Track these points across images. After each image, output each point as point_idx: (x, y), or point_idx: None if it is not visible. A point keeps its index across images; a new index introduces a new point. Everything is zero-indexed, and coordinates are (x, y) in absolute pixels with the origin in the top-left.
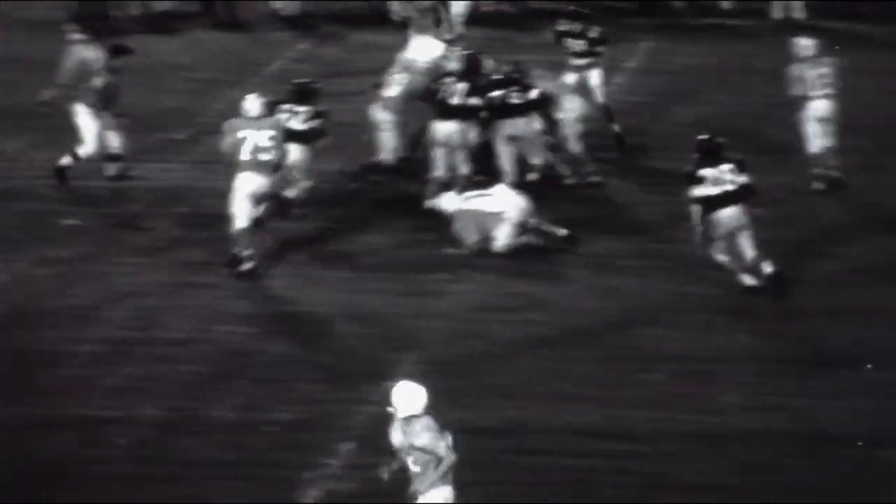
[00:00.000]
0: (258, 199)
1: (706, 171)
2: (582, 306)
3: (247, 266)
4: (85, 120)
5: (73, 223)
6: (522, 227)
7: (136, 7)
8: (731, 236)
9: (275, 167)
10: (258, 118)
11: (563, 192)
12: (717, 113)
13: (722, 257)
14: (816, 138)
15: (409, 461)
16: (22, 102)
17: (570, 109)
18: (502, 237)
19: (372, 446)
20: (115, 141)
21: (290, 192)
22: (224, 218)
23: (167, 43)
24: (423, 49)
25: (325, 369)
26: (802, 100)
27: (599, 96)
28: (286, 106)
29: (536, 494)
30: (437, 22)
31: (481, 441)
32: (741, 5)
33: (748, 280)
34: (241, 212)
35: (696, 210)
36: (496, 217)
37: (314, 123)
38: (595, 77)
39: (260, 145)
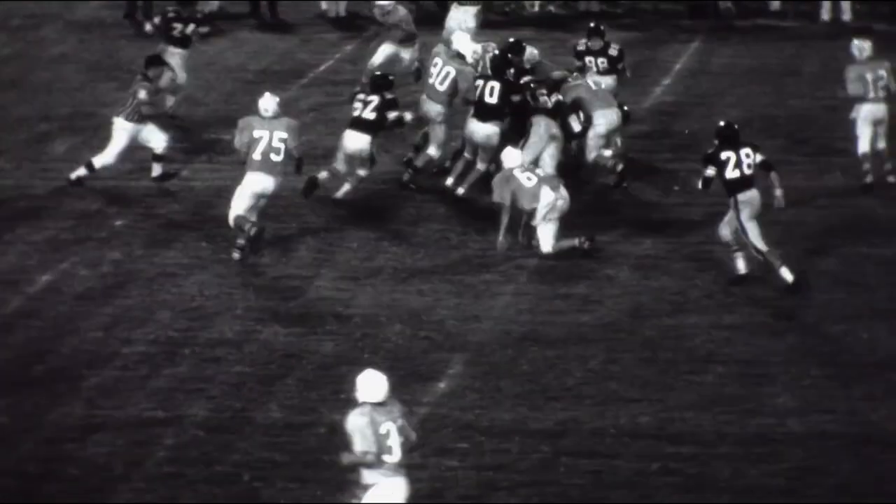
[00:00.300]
0: (261, 199)
1: (726, 154)
2: (631, 308)
3: (236, 255)
4: (119, 134)
5: (121, 224)
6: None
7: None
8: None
9: (297, 167)
10: (274, 118)
11: (604, 195)
12: (763, 114)
13: (727, 237)
14: (866, 139)
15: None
16: (69, 103)
17: (601, 123)
18: (547, 239)
19: (422, 447)
20: (160, 142)
21: (343, 191)
22: (274, 218)
23: (214, 44)
24: (463, 45)
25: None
26: (858, 101)
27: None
28: (360, 95)
29: (590, 496)
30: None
31: (533, 443)
32: (789, 7)
33: (741, 266)
34: (239, 207)
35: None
36: (530, 193)
37: (383, 114)
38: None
39: (273, 146)
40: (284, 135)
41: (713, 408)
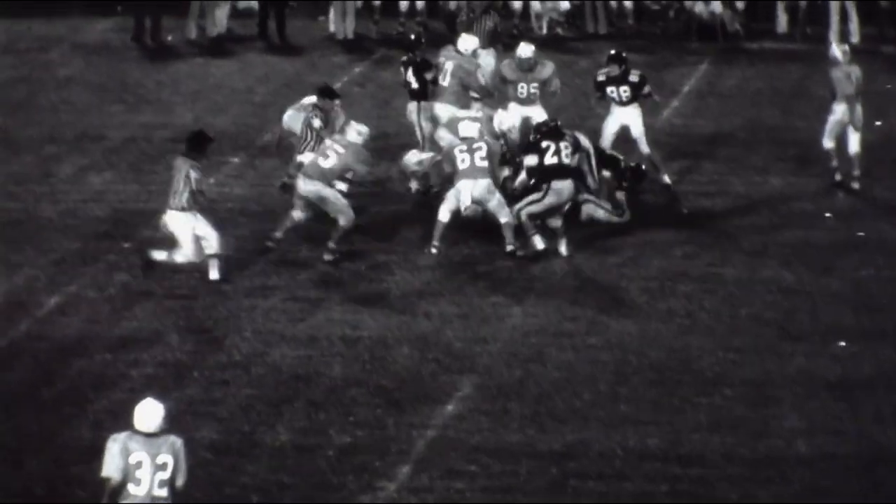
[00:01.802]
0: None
1: (546, 143)
2: (639, 330)
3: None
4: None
5: (129, 246)
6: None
7: (192, 30)
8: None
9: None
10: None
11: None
12: (771, 136)
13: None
14: (833, 136)
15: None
16: (75, 125)
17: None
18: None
19: (430, 470)
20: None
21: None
22: (282, 241)
23: (222, 67)
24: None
25: (383, 393)
26: (837, 100)
27: (644, 146)
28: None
29: None
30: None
31: (541, 465)
32: (797, 29)
33: (539, 243)
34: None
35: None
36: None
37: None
38: (637, 127)
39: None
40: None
41: (721, 429)
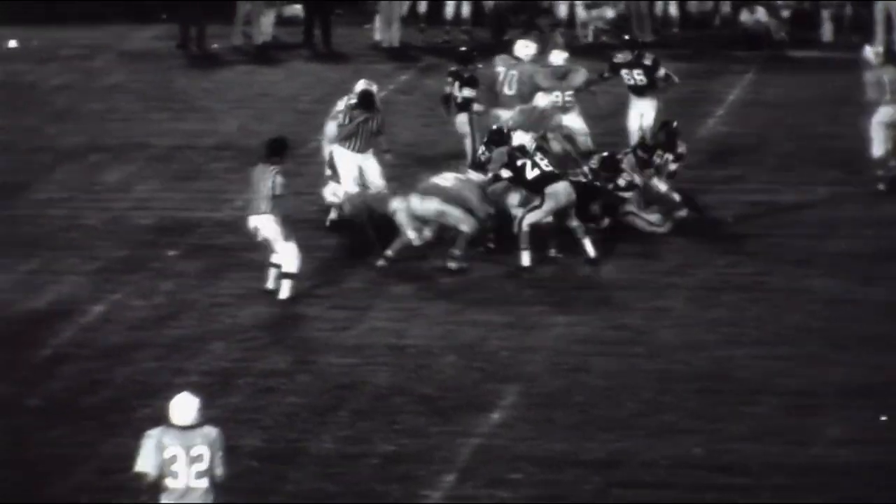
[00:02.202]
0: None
1: (522, 161)
2: (684, 339)
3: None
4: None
5: (175, 254)
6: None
7: (238, 38)
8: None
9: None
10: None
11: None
12: (818, 145)
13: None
14: (880, 142)
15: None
16: (120, 133)
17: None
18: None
19: (474, 478)
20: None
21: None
22: (326, 248)
23: (267, 74)
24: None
25: (428, 401)
26: (874, 104)
27: (651, 138)
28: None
29: None
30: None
31: (585, 473)
32: (842, 37)
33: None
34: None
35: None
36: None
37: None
38: (648, 119)
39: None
40: None
41: (765, 438)
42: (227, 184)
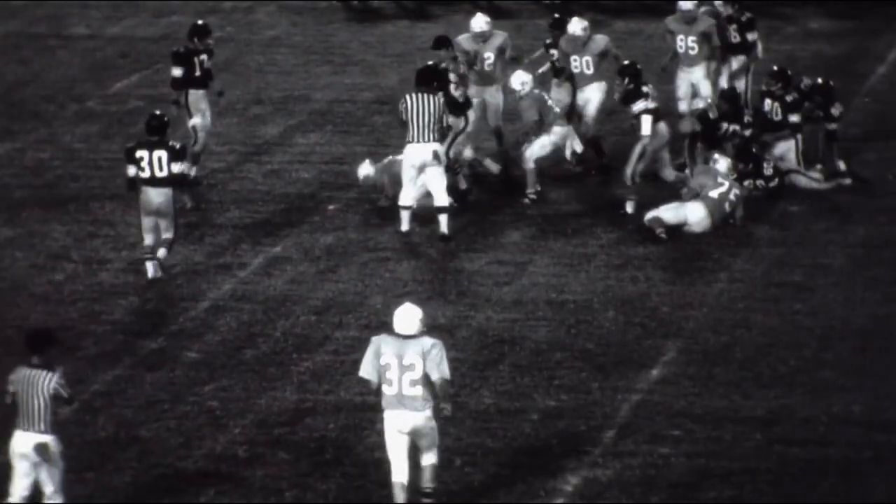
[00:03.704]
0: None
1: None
2: (845, 296)
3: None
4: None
5: (334, 208)
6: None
7: None
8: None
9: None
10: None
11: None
12: None
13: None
14: None
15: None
16: (281, 86)
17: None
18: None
19: (634, 434)
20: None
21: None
22: (486, 205)
23: (428, 28)
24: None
25: (588, 357)
26: None
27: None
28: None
29: (801, 484)
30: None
31: (745, 430)
32: None
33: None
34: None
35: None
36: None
37: None
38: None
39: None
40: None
41: None
42: (387, 138)
